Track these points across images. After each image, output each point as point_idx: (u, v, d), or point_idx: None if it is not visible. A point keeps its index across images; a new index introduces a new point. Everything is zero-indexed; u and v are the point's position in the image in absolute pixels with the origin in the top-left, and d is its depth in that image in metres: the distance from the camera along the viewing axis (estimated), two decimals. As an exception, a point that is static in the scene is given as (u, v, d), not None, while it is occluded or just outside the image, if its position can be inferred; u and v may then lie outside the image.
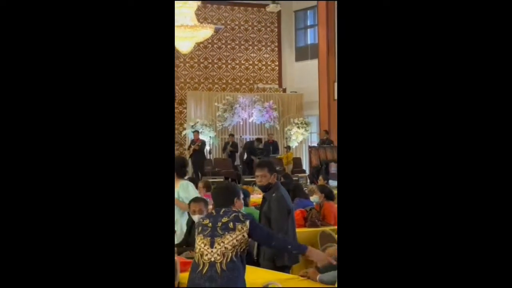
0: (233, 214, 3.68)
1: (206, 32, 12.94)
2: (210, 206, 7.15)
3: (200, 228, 3.70)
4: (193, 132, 16.09)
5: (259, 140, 16.53)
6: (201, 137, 16.00)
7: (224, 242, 3.59)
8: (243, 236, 3.61)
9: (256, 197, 8.15)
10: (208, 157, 16.29)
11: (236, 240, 3.60)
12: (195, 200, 5.67)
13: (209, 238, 3.62)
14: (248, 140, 16.75)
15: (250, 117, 17.43)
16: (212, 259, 3.58)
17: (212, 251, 3.59)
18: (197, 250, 3.67)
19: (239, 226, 3.61)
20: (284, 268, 4.73)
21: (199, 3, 13.04)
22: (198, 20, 13.53)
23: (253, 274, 3.95)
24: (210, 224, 3.65)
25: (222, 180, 14.26)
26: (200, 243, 3.64)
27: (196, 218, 5.46)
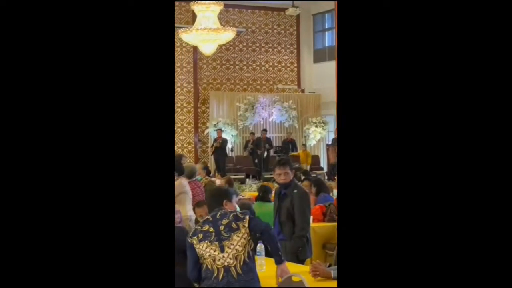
0: (232, 214, 3.62)
1: (228, 35, 13.09)
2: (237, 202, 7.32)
3: (201, 235, 3.57)
4: (216, 130, 16.35)
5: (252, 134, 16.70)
6: (223, 135, 16.17)
7: (233, 244, 3.52)
8: (248, 232, 3.56)
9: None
10: (230, 155, 16.50)
11: (244, 239, 3.54)
12: (199, 205, 5.79)
13: (216, 243, 3.53)
14: (269, 138, 16.96)
15: (270, 116, 17.67)
16: (226, 264, 3.51)
17: (223, 256, 3.51)
18: (206, 257, 3.54)
19: (241, 224, 3.56)
20: (303, 261, 4.83)
21: (222, 7, 13.16)
22: (221, 23, 13.65)
23: (273, 266, 3.79)
24: (211, 229, 3.56)
25: (243, 176, 14.61)
26: (209, 249, 3.53)
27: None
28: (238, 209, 4.09)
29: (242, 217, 3.60)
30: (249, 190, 11.46)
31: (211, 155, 16.27)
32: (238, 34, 15.99)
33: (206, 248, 3.54)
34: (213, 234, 3.55)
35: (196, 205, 5.86)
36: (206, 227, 3.59)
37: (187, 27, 13.56)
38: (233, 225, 3.56)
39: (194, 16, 13.43)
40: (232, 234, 3.54)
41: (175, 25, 16.26)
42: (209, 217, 3.67)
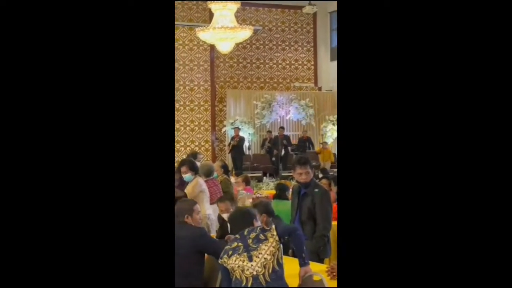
0: (258, 228, 3.65)
1: (245, 33, 13.08)
2: (250, 200, 7.25)
3: (230, 252, 3.60)
4: (234, 128, 16.36)
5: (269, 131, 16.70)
6: (240, 134, 16.19)
7: (261, 253, 3.51)
8: (276, 240, 3.55)
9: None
10: (247, 153, 16.52)
11: (273, 247, 3.53)
12: (221, 200, 5.82)
13: (245, 254, 3.54)
14: (286, 136, 16.92)
15: (287, 114, 17.63)
16: (254, 273, 3.50)
17: (252, 265, 3.51)
18: (235, 269, 3.55)
19: (268, 234, 3.56)
20: (323, 260, 4.82)
21: (238, 5, 13.12)
22: (238, 21, 13.71)
23: (292, 265, 3.83)
24: (240, 245, 3.59)
25: (260, 174, 14.59)
26: (237, 261, 3.54)
27: (225, 216, 5.40)
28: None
29: (268, 227, 3.61)
30: (266, 188, 11.43)
31: (229, 153, 16.29)
32: (255, 32, 16.06)
33: (235, 260, 3.56)
34: (241, 247, 3.57)
35: (219, 200, 5.89)
36: (234, 244, 3.62)
37: (204, 26, 13.57)
38: (261, 236, 3.57)
39: (211, 15, 13.43)
40: (260, 244, 3.54)
41: (192, 23, 16.34)
42: (237, 236, 3.69)
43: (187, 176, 6.81)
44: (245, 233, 3.63)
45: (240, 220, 3.93)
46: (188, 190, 6.60)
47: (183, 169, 6.88)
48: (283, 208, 6.22)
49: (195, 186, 6.65)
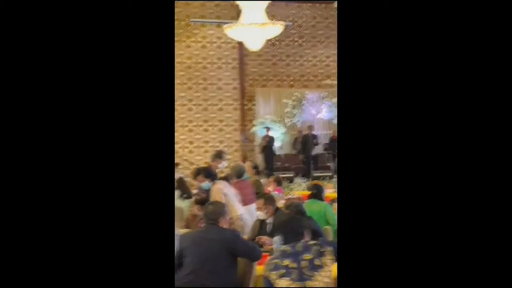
0: (314, 248, 3.45)
1: (276, 29, 12.82)
2: (283, 201, 7.20)
3: (282, 272, 3.41)
4: (264, 128, 16.19)
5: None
6: (270, 133, 16.03)
7: (318, 280, 3.35)
8: (334, 263, 3.35)
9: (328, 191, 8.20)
10: (278, 153, 16.31)
11: (328, 277, 3.35)
12: (260, 196, 5.95)
13: (299, 283, 3.36)
14: (317, 135, 16.65)
15: (319, 113, 17.34)
16: None
17: None
18: None
19: (325, 260, 3.39)
20: None
21: (267, 1, 12.92)
22: (267, 17, 13.48)
23: None
24: (293, 265, 3.40)
25: (291, 175, 14.33)
26: None
27: (262, 215, 5.62)
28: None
29: (324, 251, 3.41)
30: (298, 189, 11.27)
31: (259, 153, 16.07)
32: (286, 27, 15.81)
33: (286, 285, 3.37)
34: (295, 271, 3.38)
35: (257, 197, 5.93)
36: (286, 262, 3.43)
37: (232, 23, 13.25)
38: (316, 262, 3.39)
39: (238, 11, 13.10)
40: (316, 273, 3.36)
41: (220, 20, 16.04)
42: (288, 248, 3.51)
43: (205, 184, 6.97)
44: (298, 248, 3.44)
45: (290, 229, 3.72)
46: (213, 198, 6.58)
47: (199, 178, 7.10)
48: (317, 208, 6.30)
49: (217, 192, 6.62)
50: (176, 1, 14.96)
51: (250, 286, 4.30)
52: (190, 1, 16.20)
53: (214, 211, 4.44)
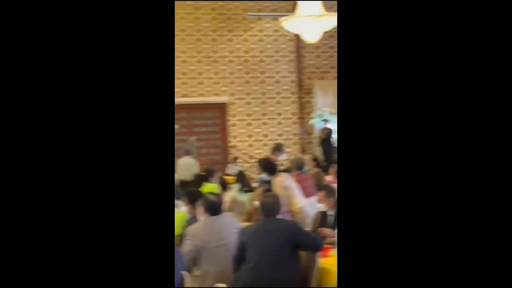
0: None
1: (333, 20, 12.45)
2: None
3: None
4: (322, 120, 16.10)
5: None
6: (328, 125, 15.84)
7: None
8: None
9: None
10: (337, 145, 16.26)
11: None
12: (320, 188, 6.00)
13: None
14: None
15: (378, 104, 17.16)
16: None
17: None
18: None
19: None
20: None
21: None
22: (324, 9, 13.36)
23: None
24: None
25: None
26: None
27: (324, 207, 5.62)
28: None
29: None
30: None
31: (318, 146, 15.93)
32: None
33: None
34: None
35: (318, 189, 5.99)
36: None
37: (289, 15, 13.21)
38: None
39: (294, 4, 13.04)
40: None
41: (276, 13, 16.01)
42: None
43: (263, 176, 7.09)
44: None
45: None
46: (274, 190, 6.63)
47: (258, 171, 7.27)
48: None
49: (278, 185, 6.67)
50: (184, 1, 15.01)
51: (314, 277, 4.29)
52: (246, -5, 16.23)
53: (272, 204, 4.46)
